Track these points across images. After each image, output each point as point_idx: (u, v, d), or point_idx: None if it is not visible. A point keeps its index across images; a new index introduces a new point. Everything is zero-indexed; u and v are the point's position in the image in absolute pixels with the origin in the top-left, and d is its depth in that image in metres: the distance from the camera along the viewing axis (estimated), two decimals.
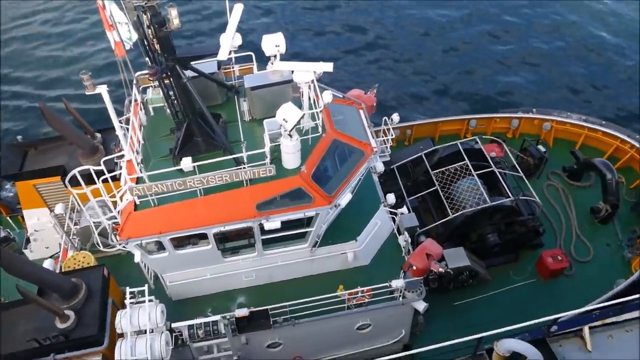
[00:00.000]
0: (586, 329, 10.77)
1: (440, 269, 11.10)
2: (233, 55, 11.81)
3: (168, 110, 10.94)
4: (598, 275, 14.27)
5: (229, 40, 9.90)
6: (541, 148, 16.38)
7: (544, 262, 14.14)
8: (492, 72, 23.07)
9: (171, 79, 9.95)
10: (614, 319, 11.07)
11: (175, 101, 10.46)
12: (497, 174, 14.58)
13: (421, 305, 11.69)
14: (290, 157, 10.31)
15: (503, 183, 14.44)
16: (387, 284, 11.19)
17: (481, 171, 14.58)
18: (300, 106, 10.50)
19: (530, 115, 17.55)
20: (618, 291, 13.00)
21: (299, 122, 9.70)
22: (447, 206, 14.12)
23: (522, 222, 14.21)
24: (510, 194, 14.08)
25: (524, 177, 15.11)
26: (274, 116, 9.82)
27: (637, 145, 16.11)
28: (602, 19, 25.81)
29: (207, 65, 11.39)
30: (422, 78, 22.93)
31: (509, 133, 17.86)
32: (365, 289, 11.26)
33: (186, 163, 10.08)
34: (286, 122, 9.57)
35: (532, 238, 14.72)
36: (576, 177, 16.41)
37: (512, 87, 22.50)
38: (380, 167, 13.47)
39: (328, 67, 10.33)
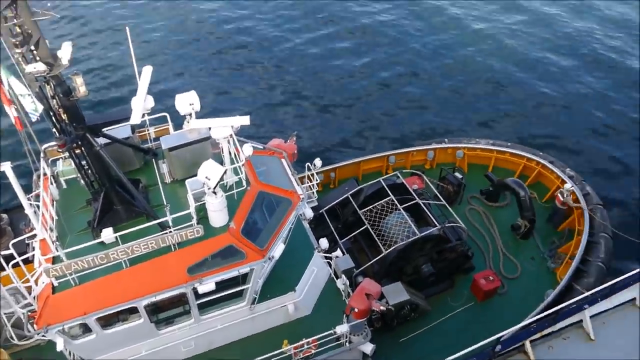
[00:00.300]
0: (527, 343, 11.11)
1: (382, 307, 11.10)
2: (147, 117, 11.53)
3: (82, 181, 10.38)
4: (529, 289, 14.91)
5: (141, 103, 9.67)
6: (458, 175, 17.19)
7: (477, 284, 14.58)
8: (404, 111, 24.21)
9: (82, 149, 9.49)
10: (550, 330, 11.52)
11: (89, 171, 9.96)
12: (422, 205, 15.04)
13: (368, 348, 11.55)
14: (217, 215, 10.06)
15: (428, 213, 14.91)
16: (331, 331, 10.99)
17: (406, 204, 14.97)
18: (221, 162, 10.37)
19: (444, 145, 18.47)
20: (549, 301, 13.60)
21: (222, 179, 9.52)
22: (379, 243, 14.31)
23: (452, 249, 14.66)
24: (436, 223, 14.53)
25: (446, 204, 15.68)
26: (196, 175, 9.59)
27: (542, 161, 17.38)
28: (496, 53, 28.10)
29: (120, 130, 11.01)
30: (339, 121, 23.59)
31: (426, 164, 18.62)
32: (310, 339, 10.98)
33: (107, 234, 9.52)
34: (209, 179, 9.38)
35: (463, 262, 15.19)
36: (493, 198, 17.30)
37: (425, 122, 23.68)
38: (309, 213, 13.46)
39: (245, 120, 10.35)
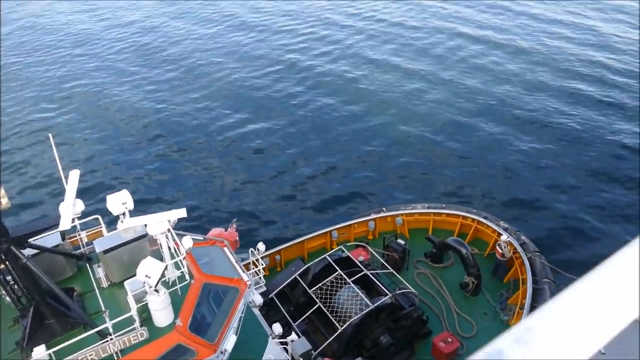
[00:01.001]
0: None
1: None
2: (77, 222, 11.10)
3: (8, 298, 9.63)
4: (487, 345, 14.88)
5: (70, 208, 9.35)
6: (401, 241, 17.50)
7: (437, 348, 14.42)
8: (339, 184, 24.77)
9: (7, 263, 8.91)
10: None
11: (16, 286, 9.30)
12: (370, 275, 15.06)
13: None
14: (162, 314, 9.57)
15: (378, 283, 14.90)
16: None
17: (355, 277, 14.93)
18: (161, 258, 10.04)
19: (383, 214, 18.89)
20: None
21: (163, 275, 9.18)
22: (333, 320, 14.01)
23: (407, 315, 14.58)
24: (387, 292, 14.51)
25: (394, 272, 15.79)
26: (135, 275, 9.19)
27: (477, 217, 18.11)
28: (408, 117, 29.82)
29: (49, 239, 10.49)
30: (277, 204, 23.69)
31: (369, 235, 18.86)
32: None
33: (39, 352, 8.74)
34: (149, 277, 9.01)
35: (420, 328, 15.08)
36: (438, 259, 17.63)
37: (359, 189, 24.29)
38: (259, 300, 13.06)
39: (181, 213, 10.22)
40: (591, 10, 44.85)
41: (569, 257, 19.63)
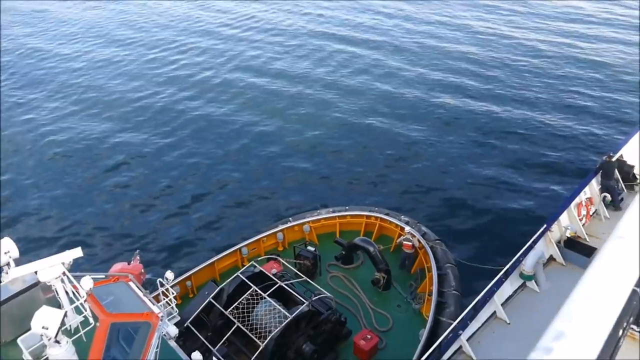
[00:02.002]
0: None
1: None
2: None
3: None
4: (405, 335, 15.54)
5: None
6: (311, 248, 17.73)
7: (358, 346, 14.76)
8: (236, 195, 24.57)
9: None
10: None
11: None
12: (285, 287, 15.07)
13: None
14: None
15: (294, 293, 14.95)
16: None
17: (270, 290, 14.86)
18: (58, 305, 9.28)
19: (290, 224, 19.02)
20: (425, 340, 14.30)
21: (63, 323, 8.49)
22: (254, 338, 13.82)
23: (325, 320, 14.76)
24: (304, 300, 14.60)
25: (308, 279, 15.94)
26: (30, 329, 8.41)
27: (379, 215, 18.89)
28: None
29: None
30: (176, 226, 22.90)
31: (279, 247, 18.88)
32: None
33: None
34: (47, 329, 8.28)
35: (340, 330, 15.33)
36: (348, 260, 18.08)
37: (261, 201, 24.27)
38: (174, 331, 12.46)
39: (77, 252, 9.55)
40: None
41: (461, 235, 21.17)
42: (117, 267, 13.19)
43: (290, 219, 19.51)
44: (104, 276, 11.68)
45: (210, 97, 34.44)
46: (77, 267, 10.90)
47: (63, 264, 9.40)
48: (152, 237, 22.25)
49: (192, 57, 41.53)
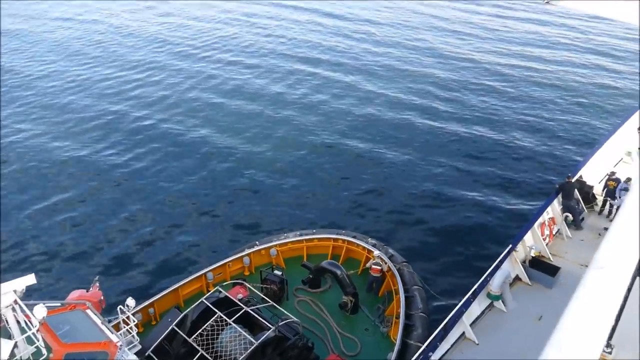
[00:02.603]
0: None
1: None
2: None
3: None
4: (373, 359, 15.38)
5: None
6: (278, 272, 17.49)
7: None
8: (202, 221, 24.15)
9: None
10: None
11: None
12: (251, 312, 14.76)
13: None
14: None
15: (260, 318, 14.65)
16: None
17: (235, 316, 14.52)
18: (9, 336, 8.82)
19: (256, 248, 18.77)
20: None
21: (12, 354, 8.06)
22: None
23: (292, 345, 14.47)
24: (270, 325, 14.32)
25: (274, 304, 15.67)
26: None
27: (346, 238, 18.86)
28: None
29: None
30: (139, 249, 22.27)
31: (245, 271, 18.58)
32: None
33: None
34: None
35: (307, 355, 15.03)
36: (316, 284, 17.90)
37: (226, 225, 23.88)
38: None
39: (29, 279, 9.14)
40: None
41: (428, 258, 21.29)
42: (75, 294, 12.72)
43: (257, 242, 19.27)
44: (59, 304, 11.23)
45: (178, 120, 34.09)
46: (31, 295, 10.44)
47: (15, 291, 8.97)
48: (114, 263, 21.57)
49: (162, 79, 41.28)
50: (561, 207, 19.24)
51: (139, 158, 29.46)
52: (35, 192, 26.39)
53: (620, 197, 18.69)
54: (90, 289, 13.40)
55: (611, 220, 19.66)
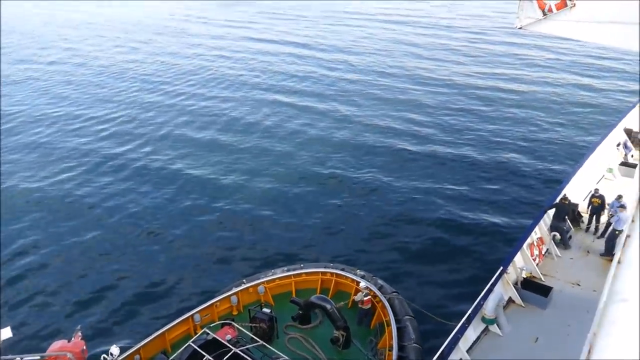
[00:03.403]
0: None
1: None
2: None
3: None
4: None
5: None
6: (266, 310, 17.12)
7: None
8: (185, 261, 23.65)
9: None
10: None
11: None
12: (240, 353, 14.37)
13: None
14: None
15: (250, 359, 14.25)
16: None
17: (225, 358, 14.13)
18: None
19: (244, 287, 18.41)
20: None
21: None
22: None
23: None
24: None
25: (264, 343, 15.30)
26: None
27: (334, 271, 18.60)
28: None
29: None
30: (122, 295, 21.61)
31: (234, 311, 18.17)
32: None
33: None
34: None
35: None
36: (306, 320, 17.50)
37: (208, 267, 23.39)
38: None
39: (5, 333, 8.80)
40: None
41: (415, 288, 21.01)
42: (56, 345, 12.30)
43: (244, 280, 18.92)
44: (39, 357, 10.82)
45: (155, 150, 33.99)
46: (9, 348, 10.03)
47: None
48: (95, 309, 20.90)
49: (138, 112, 41.42)
50: (549, 227, 19.29)
51: (113, 195, 29.09)
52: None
53: (615, 215, 18.58)
54: (72, 338, 12.96)
55: (599, 238, 19.74)
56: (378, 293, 17.14)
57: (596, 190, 20.44)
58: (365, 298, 17.09)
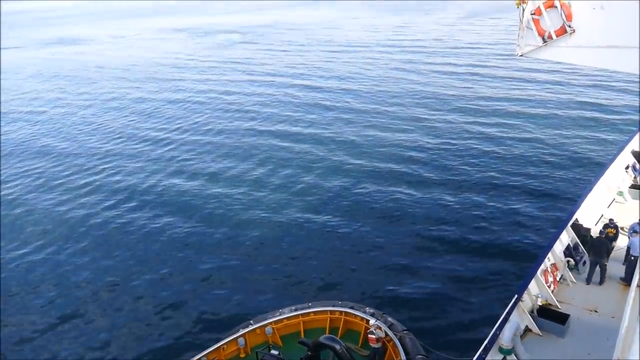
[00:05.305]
0: None
1: None
2: None
3: None
4: None
5: None
6: (274, 352, 16.61)
7: None
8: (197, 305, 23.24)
9: None
10: None
11: None
12: None
13: None
14: None
15: None
16: None
17: None
18: None
19: (251, 328, 17.94)
20: None
21: None
22: None
23: None
24: None
25: None
26: None
27: (343, 309, 18.10)
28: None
29: None
30: (121, 342, 21.09)
31: (241, 353, 17.68)
32: None
33: None
34: None
35: None
36: None
37: (212, 309, 22.90)
38: None
39: None
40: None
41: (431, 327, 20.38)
42: None
43: (251, 321, 18.45)
44: None
45: (137, 204, 33.43)
46: None
47: None
48: (93, 354, 20.40)
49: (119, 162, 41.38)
50: (590, 260, 18.57)
51: (102, 247, 28.46)
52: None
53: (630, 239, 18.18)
54: None
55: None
56: (388, 331, 16.59)
57: (611, 220, 19.97)
58: (371, 335, 16.54)
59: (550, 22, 12.04)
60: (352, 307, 18.15)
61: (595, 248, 18.44)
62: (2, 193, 36.51)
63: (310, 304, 18.78)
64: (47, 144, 47.57)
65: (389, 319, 17.40)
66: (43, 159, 43.31)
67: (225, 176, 36.62)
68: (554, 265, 18.37)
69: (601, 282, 18.31)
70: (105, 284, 24.96)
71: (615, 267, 18.78)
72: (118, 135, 48.59)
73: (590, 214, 21.40)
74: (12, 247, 29.03)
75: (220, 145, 43.14)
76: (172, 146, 44.01)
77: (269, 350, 16.85)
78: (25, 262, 27.40)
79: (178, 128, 49.20)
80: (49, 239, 29.61)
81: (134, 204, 33.24)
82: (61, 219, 31.86)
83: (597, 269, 18.37)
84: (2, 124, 55.15)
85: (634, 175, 24.83)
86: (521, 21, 12.52)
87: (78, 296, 24.22)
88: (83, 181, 37.70)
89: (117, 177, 37.91)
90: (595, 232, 20.74)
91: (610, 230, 19.46)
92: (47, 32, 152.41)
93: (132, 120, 53.53)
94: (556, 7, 11.90)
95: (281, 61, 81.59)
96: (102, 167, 40.38)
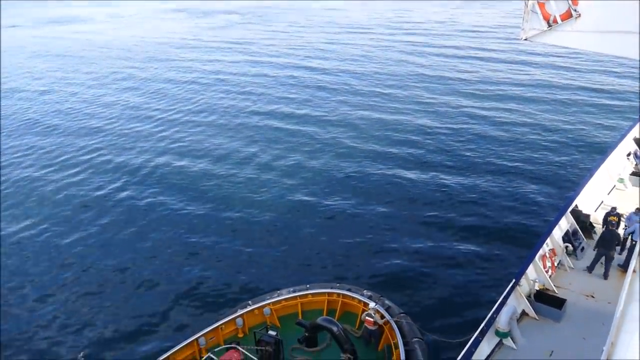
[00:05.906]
0: None
1: None
2: None
3: None
4: None
5: None
6: (272, 333, 16.70)
7: None
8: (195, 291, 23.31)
9: None
10: None
11: None
12: None
13: None
14: None
15: None
16: None
17: None
18: None
19: (249, 308, 18.07)
20: None
21: None
22: None
23: None
24: None
25: None
26: None
27: (341, 292, 18.22)
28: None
29: None
30: (123, 320, 21.16)
31: (239, 333, 17.84)
32: None
33: None
34: None
35: None
36: (313, 342, 17.09)
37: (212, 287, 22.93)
38: None
39: None
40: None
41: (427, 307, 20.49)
42: None
43: (249, 302, 18.60)
44: None
45: (137, 182, 33.42)
46: None
47: None
48: (97, 334, 20.54)
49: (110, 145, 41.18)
50: (597, 253, 18.25)
51: (107, 230, 28.44)
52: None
53: (631, 226, 18.20)
54: None
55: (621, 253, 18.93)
56: (386, 314, 16.72)
57: (613, 208, 19.86)
58: (369, 318, 16.65)
59: (556, 6, 11.89)
60: (349, 290, 18.27)
61: (605, 241, 17.91)
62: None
63: (308, 286, 18.90)
64: (44, 123, 47.48)
65: (387, 301, 17.54)
66: (42, 138, 43.29)
67: (221, 156, 36.40)
68: (552, 250, 18.44)
69: (605, 277, 17.88)
70: (105, 265, 25.04)
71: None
72: (118, 115, 48.45)
73: (591, 200, 21.39)
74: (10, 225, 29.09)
75: (219, 126, 42.91)
76: (173, 126, 43.89)
77: (267, 331, 16.96)
78: (25, 239, 27.56)
79: (179, 109, 48.96)
80: (49, 218, 29.68)
81: (133, 185, 33.19)
82: (62, 199, 31.90)
83: (603, 260, 18.08)
84: (1, 103, 54.93)
85: (635, 163, 24.77)
86: (526, 5, 12.37)
87: (77, 276, 24.34)
88: (80, 160, 37.72)
89: (114, 157, 37.76)
90: (595, 218, 20.76)
91: (613, 218, 19.29)
92: (47, 12, 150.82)
93: (132, 100, 53.31)
94: None
95: (283, 42, 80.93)
96: (100, 146, 40.36)
